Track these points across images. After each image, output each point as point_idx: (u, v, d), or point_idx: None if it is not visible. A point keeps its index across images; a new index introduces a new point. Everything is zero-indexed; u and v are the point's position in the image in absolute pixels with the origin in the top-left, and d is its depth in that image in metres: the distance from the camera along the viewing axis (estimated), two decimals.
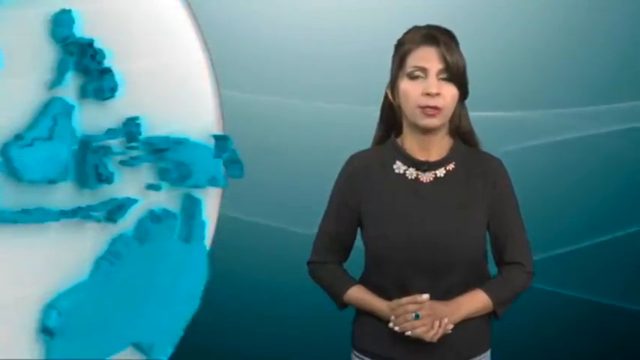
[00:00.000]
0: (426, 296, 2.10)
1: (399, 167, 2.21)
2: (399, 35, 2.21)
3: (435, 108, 2.12)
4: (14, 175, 1.99)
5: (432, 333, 2.08)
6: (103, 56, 2.09)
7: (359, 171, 2.24)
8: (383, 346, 2.20)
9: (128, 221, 2.19)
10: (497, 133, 3.69)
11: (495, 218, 2.20)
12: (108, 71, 2.09)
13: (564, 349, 3.85)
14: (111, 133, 2.12)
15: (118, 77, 2.11)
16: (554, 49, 3.77)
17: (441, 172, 2.20)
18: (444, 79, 2.12)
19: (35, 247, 2.07)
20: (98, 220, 2.12)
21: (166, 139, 2.21)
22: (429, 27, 2.17)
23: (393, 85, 2.20)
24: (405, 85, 2.15)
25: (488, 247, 2.24)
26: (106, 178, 2.10)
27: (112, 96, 2.11)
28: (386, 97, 2.24)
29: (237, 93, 3.51)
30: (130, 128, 2.14)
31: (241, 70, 3.66)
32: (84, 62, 2.06)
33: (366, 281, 2.25)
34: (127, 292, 2.22)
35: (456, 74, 2.13)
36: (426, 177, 2.20)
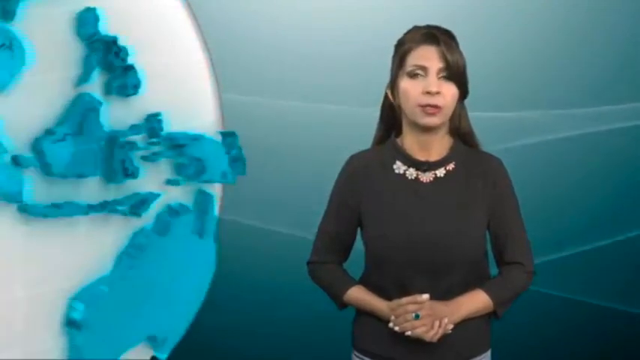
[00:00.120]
0: (426, 296, 2.10)
1: (399, 167, 2.21)
2: (399, 35, 2.21)
3: (435, 107, 2.12)
4: (45, 169, 2.03)
5: (432, 333, 2.08)
6: (127, 53, 2.14)
7: (359, 171, 2.24)
8: (383, 346, 2.20)
9: (146, 216, 2.23)
10: (497, 133, 3.69)
11: (495, 218, 2.20)
12: (131, 68, 2.14)
13: (564, 349, 3.85)
14: (135, 128, 2.17)
15: (140, 74, 2.16)
16: (554, 49, 3.77)
17: (440, 172, 2.20)
18: (444, 78, 2.12)
19: (64, 241, 2.11)
20: (123, 214, 2.17)
21: (185, 134, 2.26)
22: (429, 27, 2.17)
23: (393, 84, 2.20)
24: (405, 84, 2.15)
25: (489, 247, 2.24)
26: (131, 173, 2.14)
27: (135, 93, 2.16)
28: (386, 96, 2.24)
29: (237, 93, 3.51)
30: (153, 124, 2.19)
31: (241, 70, 3.66)
32: (109, 59, 2.10)
33: (366, 281, 2.25)
34: (146, 285, 2.26)
35: (456, 73, 2.13)
36: (426, 177, 2.20)
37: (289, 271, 3.41)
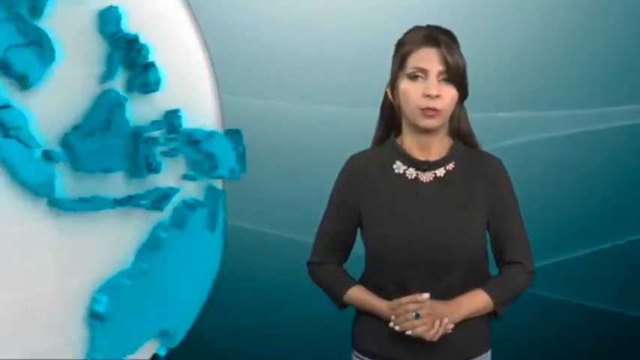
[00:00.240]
0: (426, 295, 2.10)
1: (398, 167, 2.21)
2: (399, 35, 2.21)
3: (435, 109, 2.12)
4: (74, 163, 2.08)
5: (432, 332, 2.08)
6: (147, 51, 2.18)
7: (359, 171, 2.24)
8: (383, 346, 2.20)
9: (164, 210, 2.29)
10: (496, 133, 3.69)
11: (495, 218, 2.20)
12: (152, 65, 2.18)
13: (564, 349, 3.85)
14: (155, 124, 2.21)
15: (160, 71, 2.21)
16: (554, 49, 3.77)
17: (440, 172, 2.20)
18: (444, 81, 2.12)
19: (89, 235, 2.16)
20: (146, 209, 2.22)
21: (201, 131, 2.30)
22: (429, 27, 2.17)
23: (393, 84, 2.20)
24: (405, 85, 2.15)
25: (489, 247, 2.24)
26: (154, 168, 2.20)
27: (156, 89, 2.21)
28: (386, 96, 2.24)
29: (237, 92, 3.51)
30: (172, 120, 2.24)
31: (241, 70, 3.66)
32: (132, 56, 2.15)
33: (366, 281, 2.25)
34: (163, 279, 2.29)
35: (456, 75, 2.13)
36: (426, 177, 2.20)
37: (289, 272, 3.41)
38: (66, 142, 2.06)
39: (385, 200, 2.19)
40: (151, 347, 2.40)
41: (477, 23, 3.68)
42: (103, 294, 2.18)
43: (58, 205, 2.06)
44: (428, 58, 2.13)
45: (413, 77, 2.13)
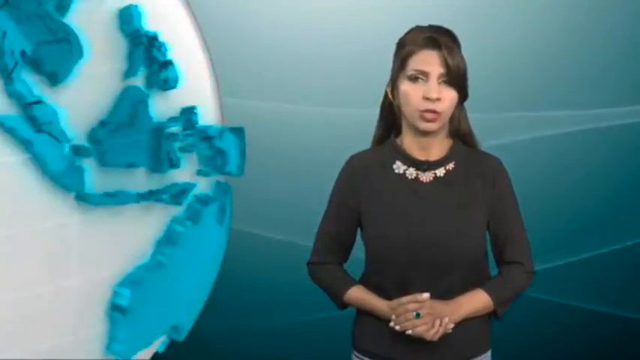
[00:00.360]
0: (426, 295, 2.10)
1: (398, 167, 2.21)
2: (399, 35, 2.21)
3: (435, 112, 2.11)
4: (101, 158, 2.12)
5: (432, 332, 2.08)
6: (167, 49, 2.23)
7: (359, 171, 2.24)
8: (383, 346, 2.20)
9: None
10: (496, 133, 3.69)
11: (495, 218, 2.19)
12: (170, 63, 2.24)
13: (563, 350, 3.85)
14: (174, 120, 2.26)
15: (177, 69, 2.26)
16: (554, 49, 3.76)
17: (440, 172, 2.19)
18: (444, 83, 2.12)
19: (113, 229, 2.21)
20: (165, 203, 2.27)
21: (214, 127, 2.35)
22: (431, 28, 2.16)
23: (393, 84, 2.20)
24: (405, 87, 2.14)
25: (489, 247, 2.24)
26: (175, 164, 2.25)
27: (175, 86, 2.26)
28: (386, 95, 2.24)
29: (236, 92, 3.51)
30: (189, 116, 2.29)
31: (240, 70, 3.66)
32: (153, 54, 2.20)
33: (366, 281, 2.25)
34: (179, 272, 2.34)
35: (456, 78, 2.13)
36: (426, 177, 2.19)
37: (289, 272, 3.41)
38: (93, 137, 2.11)
39: (385, 200, 2.19)
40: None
41: (477, 23, 3.68)
42: (125, 287, 2.23)
43: (86, 199, 2.11)
44: (429, 61, 2.12)
45: (413, 79, 2.13)
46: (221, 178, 2.46)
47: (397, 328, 2.11)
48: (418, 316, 2.09)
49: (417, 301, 2.10)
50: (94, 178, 2.14)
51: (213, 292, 2.56)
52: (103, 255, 2.20)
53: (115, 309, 2.23)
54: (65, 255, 2.13)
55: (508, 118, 3.79)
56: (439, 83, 2.12)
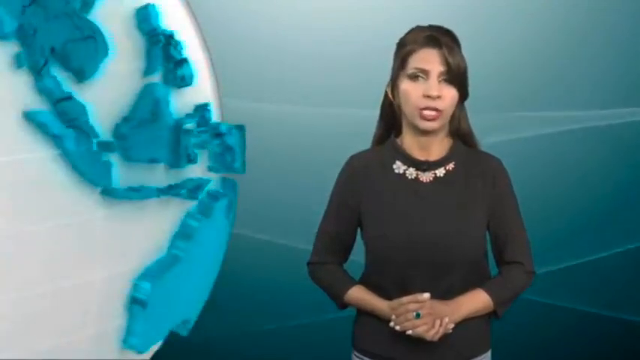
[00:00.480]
0: (426, 295, 2.10)
1: (398, 167, 2.21)
2: (399, 35, 2.21)
3: (435, 110, 2.11)
4: (125, 154, 2.16)
5: (432, 332, 2.08)
6: (182, 47, 2.27)
7: (359, 171, 2.24)
8: (383, 346, 2.20)
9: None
10: (496, 133, 3.69)
11: (495, 218, 2.19)
12: (186, 61, 2.27)
13: (564, 350, 3.85)
14: (189, 117, 2.30)
15: (192, 66, 2.30)
16: (554, 49, 3.76)
17: (440, 172, 2.19)
18: (444, 81, 2.12)
19: (134, 224, 2.24)
20: (183, 198, 2.31)
21: (225, 125, 2.39)
22: (431, 28, 2.17)
23: (393, 84, 2.20)
24: (405, 85, 2.15)
25: (489, 247, 2.24)
26: (193, 159, 2.29)
27: (190, 84, 2.29)
28: (386, 95, 2.24)
29: (236, 92, 3.51)
30: (203, 113, 2.33)
31: (240, 70, 3.66)
32: (170, 52, 2.23)
33: (366, 281, 2.25)
34: (191, 266, 2.37)
35: (456, 76, 2.13)
36: (426, 177, 2.19)
37: (289, 272, 3.41)
38: (117, 132, 2.14)
39: (385, 200, 2.19)
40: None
41: (477, 23, 3.68)
42: (145, 281, 2.26)
43: (112, 194, 2.14)
44: (429, 59, 2.12)
45: (414, 77, 2.13)
46: (224, 175, 2.50)
47: (397, 328, 2.11)
48: (418, 316, 2.09)
49: (417, 301, 2.10)
50: (121, 173, 2.19)
51: (213, 292, 2.56)
52: (125, 249, 2.24)
53: (135, 302, 2.27)
54: (90, 249, 2.16)
55: (508, 118, 3.80)
56: (439, 82, 2.12)
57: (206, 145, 2.35)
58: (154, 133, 2.20)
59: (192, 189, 2.31)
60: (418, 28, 2.18)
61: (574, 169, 3.83)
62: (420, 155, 2.20)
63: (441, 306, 2.11)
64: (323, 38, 3.75)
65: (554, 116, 3.82)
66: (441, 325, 2.09)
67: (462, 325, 2.14)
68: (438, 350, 2.14)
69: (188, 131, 2.28)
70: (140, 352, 2.33)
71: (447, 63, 2.11)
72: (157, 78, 2.24)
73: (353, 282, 2.27)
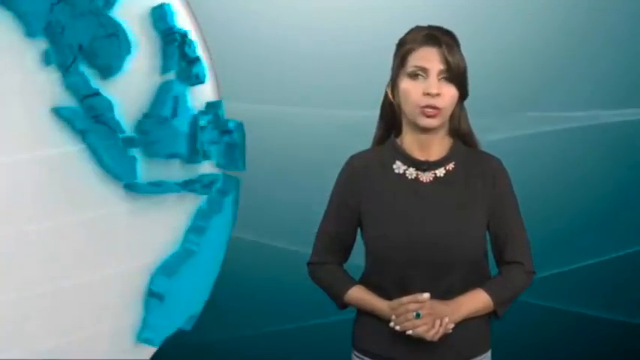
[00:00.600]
0: (426, 295, 2.10)
1: (398, 167, 2.21)
2: (399, 35, 2.21)
3: (435, 108, 2.12)
4: (147, 149, 2.20)
5: (432, 332, 2.08)
6: (195, 46, 2.32)
7: (359, 171, 2.24)
8: (383, 346, 2.20)
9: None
10: (496, 133, 3.69)
11: (495, 218, 2.19)
12: (199, 59, 2.32)
13: (564, 350, 3.85)
14: (203, 114, 2.34)
15: (205, 65, 2.35)
16: (554, 49, 3.76)
17: (440, 172, 2.19)
18: (444, 80, 2.12)
19: (154, 218, 2.29)
20: (197, 194, 2.35)
21: (233, 122, 2.42)
22: (430, 27, 2.17)
23: (393, 84, 2.20)
24: (405, 84, 2.15)
25: (489, 246, 2.24)
26: (207, 155, 2.34)
27: (203, 81, 2.34)
28: (386, 95, 2.24)
29: (236, 92, 3.51)
30: (216, 110, 2.37)
31: (241, 70, 3.66)
32: (185, 50, 2.27)
33: (366, 281, 2.25)
34: (202, 261, 2.41)
35: (456, 75, 2.13)
36: (426, 177, 2.19)
37: (289, 272, 3.41)
38: (140, 128, 2.18)
39: (385, 200, 2.19)
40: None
41: (477, 23, 3.67)
42: (162, 274, 2.30)
43: (135, 189, 2.19)
44: (428, 57, 2.13)
45: (413, 76, 2.13)
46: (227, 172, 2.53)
47: (397, 328, 2.11)
48: (418, 316, 2.09)
49: (417, 301, 2.10)
50: (144, 169, 2.24)
51: (213, 293, 2.56)
52: (144, 243, 2.28)
53: (152, 295, 2.30)
54: (113, 243, 2.21)
55: (508, 118, 3.79)
56: (439, 80, 2.12)
57: (218, 142, 2.39)
58: (174, 129, 2.24)
59: (206, 184, 2.35)
60: (418, 28, 2.19)
61: (574, 169, 3.83)
62: (420, 155, 2.20)
63: (441, 306, 2.11)
64: (323, 38, 3.75)
65: (554, 116, 3.82)
66: (441, 325, 2.09)
67: (462, 325, 2.14)
68: (438, 350, 2.14)
69: (203, 128, 2.32)
70: (153, 345, 2.37)
71: (446, 61, 2.11)
72: (171, 76, 2.28)
73: (353, 282, 2.27)
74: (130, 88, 2.18)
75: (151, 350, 2.44)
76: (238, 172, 2.51)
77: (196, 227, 2.38)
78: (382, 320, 2.16)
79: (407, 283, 2.14)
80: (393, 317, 2.12)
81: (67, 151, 2.09)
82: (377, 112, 2.28)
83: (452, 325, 2.11)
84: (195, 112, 2.34)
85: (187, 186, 2.31)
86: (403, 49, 2.16)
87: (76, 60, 2.05)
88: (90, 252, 2.17)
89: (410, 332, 2.09)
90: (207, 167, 2.40)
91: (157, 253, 2.32)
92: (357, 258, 2.29)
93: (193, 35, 2.33)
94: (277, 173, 3.76)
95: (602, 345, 3.86)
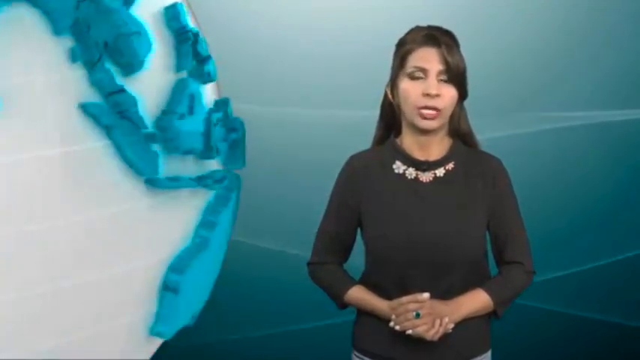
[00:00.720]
0: (426, 295, 2.10)
1: (398, 167, 2.21)
2: (399, 35, 2.21)
3: (434, 109, 2.12)
4: (167, 145, 2.24)
5: (432, 332, 2.08)
6: (206, 44, 2.35)
7: (359, 171, 2.24)
8: (383, 346, 2.20)
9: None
10: (496, 133, 3.69)
11: (495, 218, 2.19)
12: (210, 57, 2.36)
13: (564, 350, 3.85)
14: (214, 111, 2.37)
15: (214, 63, 2.38)
16: (554, 49, 3.76)
17: (440, 172, 2.19)
18: (443, 80, 2.12)
19: (170, 213, 2.33)
20: (209, 189, 2.39)
21: (238, 120, 2.46)
22: (430, 28, 2.17)
23: (393, 84, 2.20)
24: (404, 85, 2.15)
25: (489, 246, 2.24)
26: (220, 151, 2.38)
27: (214, 80, 2.39)
28: (386, 95, 2.24)
29: (236, 92, 3.51)
30: (225, 108, 2.40)
31: (241, 70, 3.66)
32: (197, 49, 2.31)
33: (366, 281, 2.25)
34: (210, 255, 2.44)
35: (455, 75, 2.13)
36: (426, 177, 2.19)
37: (289, 272, 3.41)
38: (160, 124, 2.21)
39: (385, 200, 2.19)
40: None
41: (477, 23, 3.67)
42: (176, 268, 2.33)
43: (156, 184, 2.22)
44: (428, 58, 2.13)
45: (413, 77, 2.13)
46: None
47: (397, 328, 2.11)
48: (418, 316, 2.09)
49: (417, 301, 2.10)
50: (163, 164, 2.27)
51: (213, 294, 2.56)
52: (163, 237, 2.31)
53: (167, 289, 2.33)
54: (135, 238, 2.24)
55: (508, 118, 3.79)
56: (438, 81, 2.12)
57: (226, 139, 2.42)
58: (190, 126, 2.27)
59: (218, 180, 2.38)
60: (417, 28, 2.19)
61: (574, 169, 3.83)
62: (419, 155, 2.20)
63: (440, 306, 2.11)
64: (323, 38, 3.75)
65: (554, 116, 3.82)
66: (440, 325, 2.09)
67: (462, 325, 2.14)
68: (438, 350, 2.14)
69: (215, 124, 2.35)
70: (165, 338, 2.40)
71: (445, 62, 2.11)
72: (184, 74, 2.31)
73: (353, 282, 2.27)
74: (148, 86, 2.22)
75: (157, 344, 2.46)
76: (238, 169, 2.52)
77: (207, 222, 2.42)
78: (382, 320, 2.16)
79: (407, 283, 2.14)
80: (393, 317, 2.12)
81: (93, 147, 2.12)
82: (377, 112, 2.28)
83: (452, 325, 2.11)
84: (208, 109, 2.37)
85: (201, 181, 2.35)
86: (403, 50, 2.16)
87: (101, 57, 2.09)
88: (114, 247, 2.21)
89: (410, 332, 2.09)
90: (212, 164, 2.43)
91: (173, 248, 2.35)
92: (357, 258, 2.29)
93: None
94: (277, 173, 3.76)
95: (600, 347, 3.86)
